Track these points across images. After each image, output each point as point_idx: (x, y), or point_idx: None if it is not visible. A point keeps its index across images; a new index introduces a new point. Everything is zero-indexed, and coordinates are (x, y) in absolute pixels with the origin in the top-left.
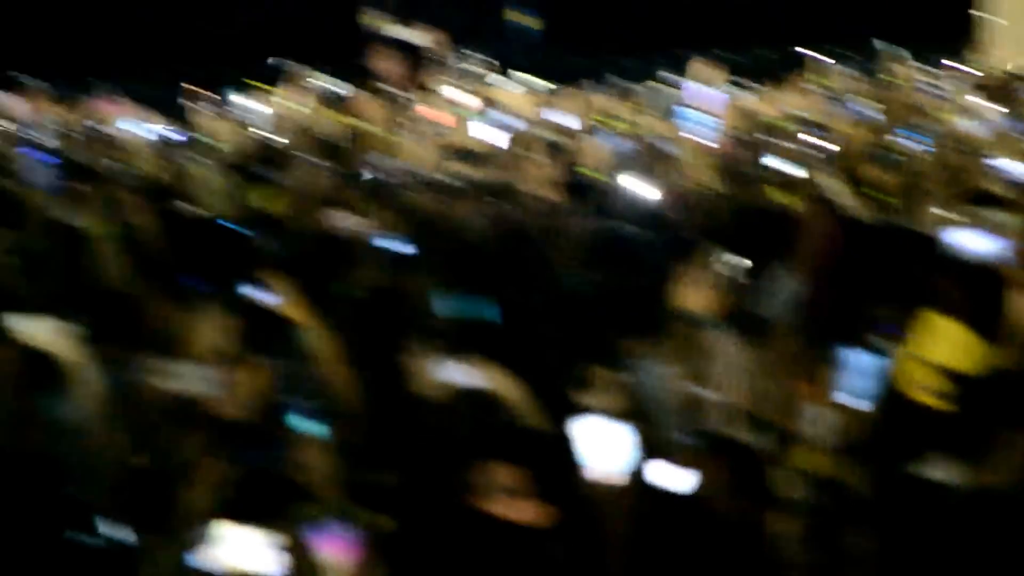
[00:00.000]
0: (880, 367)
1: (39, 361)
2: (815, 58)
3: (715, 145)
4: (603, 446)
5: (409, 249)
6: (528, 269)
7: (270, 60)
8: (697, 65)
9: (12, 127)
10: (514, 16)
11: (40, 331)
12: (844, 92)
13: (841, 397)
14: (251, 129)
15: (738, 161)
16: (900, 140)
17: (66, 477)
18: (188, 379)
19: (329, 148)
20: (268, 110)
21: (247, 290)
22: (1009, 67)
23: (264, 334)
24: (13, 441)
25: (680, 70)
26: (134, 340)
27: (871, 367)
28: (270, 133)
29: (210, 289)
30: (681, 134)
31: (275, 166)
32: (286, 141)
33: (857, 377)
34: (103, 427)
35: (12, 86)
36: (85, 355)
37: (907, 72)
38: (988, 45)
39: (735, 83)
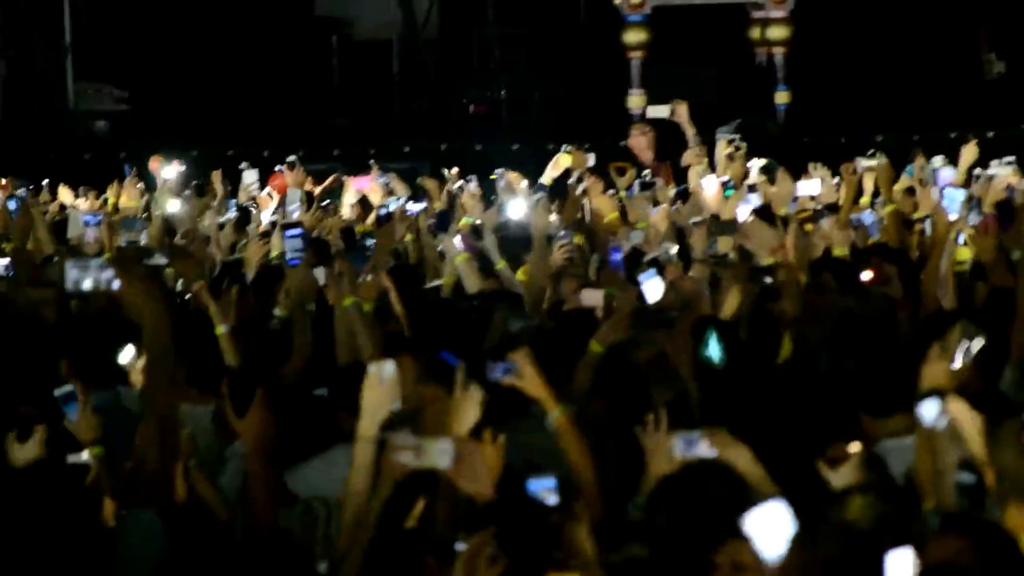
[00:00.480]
0: None
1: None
2: None
3: (973, 223)
4: (771, 530)
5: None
6: (776, 344)
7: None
8: (969, 146)
9: (264, 203)
10: (768, 95)
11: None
12: None
13: None
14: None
15: (995, 240)
16: None
17: (313, 555)
18: (431, 454)
19: (575, 225)
20: (512, 184)
21: (489, 365)
22: None
23: (505, 408)
24: (262, 515)
25: (941, 148)
26: None
27: None
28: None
29: (457, 364)
30: (939, 211)
31: (518, 241)
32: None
33: None
34: (362, 501)
35: (264, 162)
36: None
37: None
38: None
39: (995, 163)
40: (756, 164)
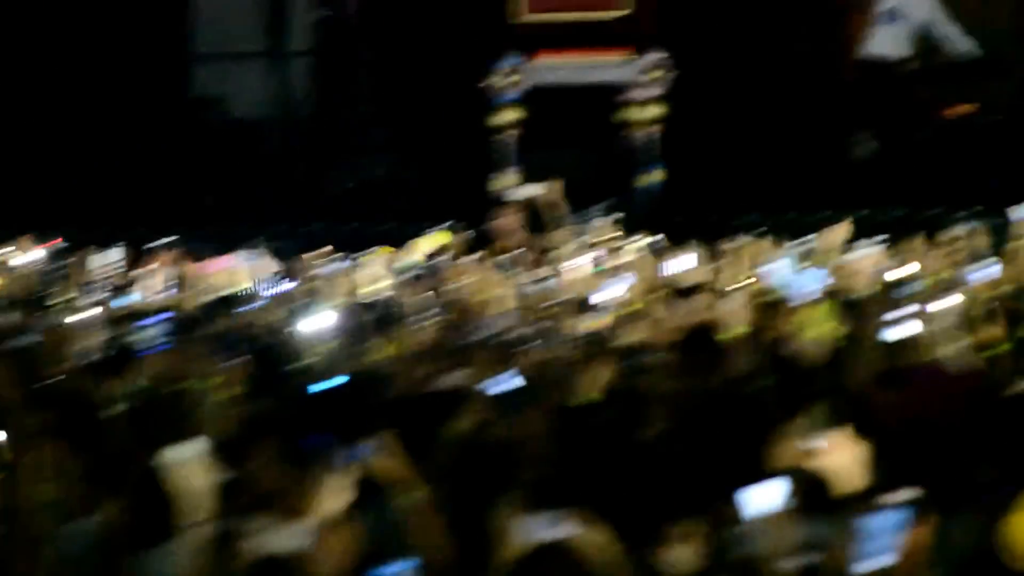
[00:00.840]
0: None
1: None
2: (946, 218)
3: (829, 302)
4: None
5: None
6: (636, 424)
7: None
8: (841, 225)
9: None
10: (641, 174)
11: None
12: (973, 252)
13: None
14: (364, 286)
15: (850, 321)
16: None
17: None
18: (282, 538)
19: (445, 305)
20: (382, 268)
21: (348, 447)
22: None
23: (362, 491)
24: None
25: (814, 227)
26: (235, 497)
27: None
28: (383, 290)
29: (318, 447)
30: (798, 291)
31: (387, 322)
32: (397, 298)
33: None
34: None
35: (135, 241)
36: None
37: None
38: None
39: (862, 242)
40: (631, 244)
